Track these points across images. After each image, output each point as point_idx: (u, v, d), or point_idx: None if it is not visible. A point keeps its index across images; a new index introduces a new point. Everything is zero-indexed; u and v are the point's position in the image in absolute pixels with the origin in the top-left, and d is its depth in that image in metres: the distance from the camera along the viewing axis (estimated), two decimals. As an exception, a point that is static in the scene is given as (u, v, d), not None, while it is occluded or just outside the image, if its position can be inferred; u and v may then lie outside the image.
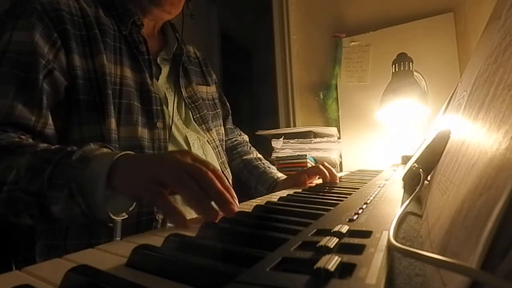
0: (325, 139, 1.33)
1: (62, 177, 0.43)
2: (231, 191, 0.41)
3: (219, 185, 0.39)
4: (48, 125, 0.57)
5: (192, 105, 0.80)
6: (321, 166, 0.74)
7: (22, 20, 0.57)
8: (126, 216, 0.46)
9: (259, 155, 0.98)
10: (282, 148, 1.35)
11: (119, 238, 0.57)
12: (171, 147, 0.69)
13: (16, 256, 0.67)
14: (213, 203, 0.39)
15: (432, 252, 0.15)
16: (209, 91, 0.91)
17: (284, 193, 0.60)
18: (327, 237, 0.22)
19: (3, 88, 0.53)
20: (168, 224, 0.59)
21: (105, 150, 0.48)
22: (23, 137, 0.53)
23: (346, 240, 0.23)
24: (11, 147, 0.48)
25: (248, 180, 0.88)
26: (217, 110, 0.91)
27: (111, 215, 0.43)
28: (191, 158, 0.43)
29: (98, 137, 0.59)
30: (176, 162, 0.41)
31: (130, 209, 0.46)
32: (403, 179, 0.53)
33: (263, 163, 0.92)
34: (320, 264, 0.17)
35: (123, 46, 0.68)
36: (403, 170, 0.60)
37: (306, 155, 1.25)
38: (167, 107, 0.72)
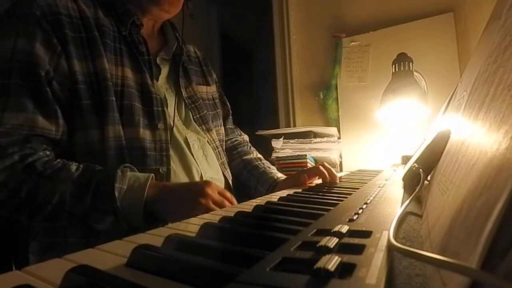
0: (325, 139, 1.33)
1: (104, 203, 0.52)
2: (231, 200, 0.58)
3: (223, 201, 0.55)
4: (64, 132, 0.60)
5: (192, 105, 0.80)
6: (321, 167, 0.74)
7: (23, 26, 0.57)
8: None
9: (259, 155, 0.98)
10: (282, 148, 1.35)
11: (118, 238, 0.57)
12: (171, 149, 0.69)
13: (16, 256, 0.67)
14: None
15: (432, 252, 0.15)
16: (209, 91, 0.91)
17: (284, 193, 0.60)
18: (327, 237, 0.22)
19: (19, 102, 0.55)
20: (169, 224, 0.59)
21: (133, 176, 0.57)
22: (48, 153, 0.58)
23: (346, 240, 0.23)
24: (47, 172, 0.54)
25: (248, 180, 0.88)
26: (217, 110, 0.91)
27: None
28: (209, 187, 0.55)
29: (100, 140, 0.61)
30: (200, 192, 0.54)
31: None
32: (403, 179, 0.53)
33: (263, 163, 0.92)
34: (320, 264, 0.17)
35: (123, 46, 0.68)
36: (403, 170, 0.60)
37: (306, 155, 1.25)
38: (167, 107, 0.72)
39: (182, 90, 0.78)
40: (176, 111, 0.75)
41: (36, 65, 0.56)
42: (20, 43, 0.56)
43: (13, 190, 0.52)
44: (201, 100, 0.83)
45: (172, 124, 0.71)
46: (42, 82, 0.57)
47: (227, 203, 0.55)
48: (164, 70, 0.78)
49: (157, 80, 0.75)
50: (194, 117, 0.79)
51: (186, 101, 0.79)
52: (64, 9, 0.61)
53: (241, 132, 1.06)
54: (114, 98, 0.62)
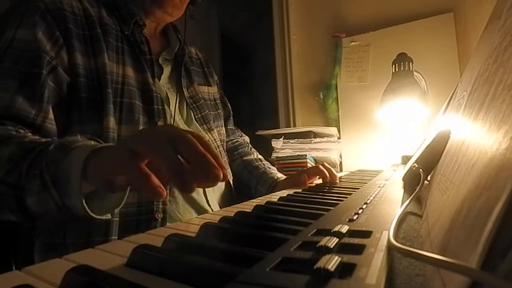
0: (325, 139, 1.33)
1: (38, 167, 0.40)
2: (219, 159, 0.35)
3: (201, 148, 0.34)
4: (48, 119, 0.56)
5: (194, 105, 0.80)
6: (321, 166, 0.74)
7: (26, 18, 0.57)
8: (109, 217, 0.44)
9: (260, 156, 0.98)
10: (282, 148, 1.35)
11: (116, 238, 0.57)
12: None
13: (16, 256, 0.67)
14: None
15: (432, 252, 0.15)
16: (210, 91, 0.91)
17: (284, 193, 0.60)
18: (327, 237, 0.22)
19: (4, 83, 0.53)
20: (168, 224, 0.59)
21: (91, 142, 0.44)
22: (21, 131, 0.52)
23: (346, 240, 0.23)
24: (2, 138, 0.46)
25: (248, 180, 0.88)
26: (219, 111, 0.91)
27: (91, 213, 0.39)
28: (172, 127, 0.39)
29: (98, 136, 0.59)
30: (152, 131, 0.37)
31: (117, 209, 0.44)
32: (403, 179, 0.53)
33: (263, 164, 0.92)
34: (320, 264, 0.17)
35: (125, 46, 0.69)
36: (403, 170, 0.60)
37: (306, 155, 1.25)
38: (168, 106, 0.73)
39: (184, 90, 0.79)
40: (178, 110, 0.75)
41: (35, 50, 0.56)
42: (20, 32, 0.56)
43: None
44: (202, 100, 0.83)
45: (172, 122, 0.71)
46: (39, 63, 0.55)
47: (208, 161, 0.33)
48: (166, 70, 0.79)
49: (159, 80, 0.76)
50: (196, 117, 0.80)
51: (188, 100, 0.79)
52: (68, 7, 0.62)
53: (242, 133, 1.06)
54: (112, 94, 0.62)
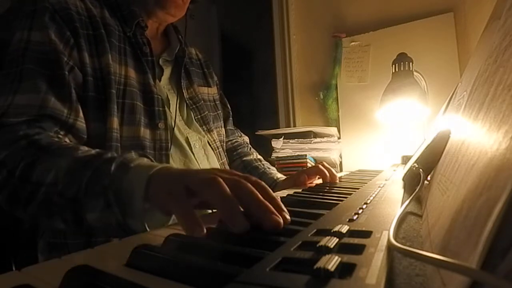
0: (325, 139, 1.33)
1: (99, 185, 0.41)
2: (277, 202, 0.34)
3: (259, 195, 0.33)
4: (79, 118, 0.58)
5: (194, 106, 0.80)
6: (320, 166, 0.74)
7: (36, 20, 0.58)
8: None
9: (259, 156, 0.98)
10: (282, 148, 1.35)
11: (117, 238, 0.57)
12: (172, 148, 0.70)
13: (16, 256, 0.67)
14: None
15: (432, 252, 0.15)
16: (210, 92, 0.91)
17: (284, 193, 0.60)
18: (327, 237, 0.22)
19: (33, 83, 0.53)
20: (168, 224, 0.59)
21: (145, 160, 0.45)
22: (60, 136, 0.54)
23: (346, 240, 0.23)
24: (52, 148, 0.47)
25: None
26: (218, 112, 0.91)
27: (147, 228, 0.40)
28: (231, 172, 0.39)
29: (102, 135, 0.60)
30: (211, 172, 0.37)
31: (169, 223, 0.42)
32: (403, 179, 0.53)
33: (262, 164, 0.92)
34: (320, 264, 0.17)
35: (127, 47, 0.69)
36: (403, 170, 0.60)
37: (306, 155, 1.25)
38: (169, 108, 0.73)
39: (183, 91, 0.79)
40: (178, 111, 0.75)
41: (53, 51, 0.56)
42: (34, 34, 0.57)
43: (11, 169, 0.46)
44: (202, 101, 0.83)
45: (173, 124, 0.71)
46: (60, 65, 0.56)
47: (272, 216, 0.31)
48: (167, 71, 0.79)
49: (160, 81, 0.76)
50: (196, 117, 0.80)
51: (187, 102, 0.79)
52: (73, 6, 0.62)
53: (241, 133, 1.06)
54: (116, 94, 0.62)
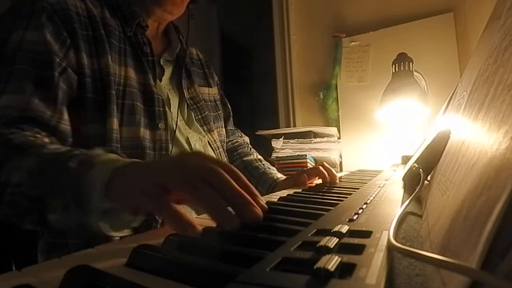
0: (325, 139, 1.33)
1: (59, 184, 0.39)
2: (251, 189, 0.34)
3: (235, 185, 0.33)
4: (63, 120, 0.57)
5: (194, 106, 0.80)
6: (321, 168, 0.74)
7: (33, 20, 0.57)
8: (129, 233, 0.42)
9: (259, 157, 0.98)
10: (282, 148, 1.35)
11: (119, 238, 0.57)
12: (173, 148, 0.70)
13: (16, 256, 0.67)
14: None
15: (432, 252, 0.15)
16: (211, 92, 0.91)
17: (284, 193, 0.60)
18: (327, 237, 0.22)
19: (19, 84, 0.53)
20: (133, 225, 0.59)
21: (112, 156, 0.43)
22: (38, 135, 0.52)
23: (346, 240, 0.23)
24: (23, 147, 0.45)
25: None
26: (219, 112, 0.92)
27: (110, 232, 0.38)
28: (200, 157, 0.37)
29: (101, 136, 0.59)
30: (181, 162, 0.36)
31: (134, 224, 0.41)
32: (403, 179, 0.53)
33: (263, 164, 0.92)
34: (320, 264, 0.17)
35: (128, 47, 0.69)
36: (403, 170, 0.60)
37: (306, 155, 1.25)
38: (169, 108, 0.73)
39: (184, 91, 0.79)
40: (178, 111, 0.75)
41: (46, 52, 0.56)
42: (29, 34, 0.56)
43: None
44: (203, 101, 0.83)
45: (174, 124, 0.71)
46: (51, 66, 0.56)
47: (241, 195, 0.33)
48: (168, 71, 0.79)
49: (160, 81, 0.76)
50: (196, 118, 0.80)
51: (188, 102, 0.79)
52: (73, 7, 0.62)
53: (242, 133, 1.07)
54: (115, 96, 0.62)
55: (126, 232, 0.41)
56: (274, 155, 1.34)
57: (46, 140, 0.52)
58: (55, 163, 0.41)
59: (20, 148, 0.45)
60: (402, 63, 1.04)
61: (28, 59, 0.55)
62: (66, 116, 0.57)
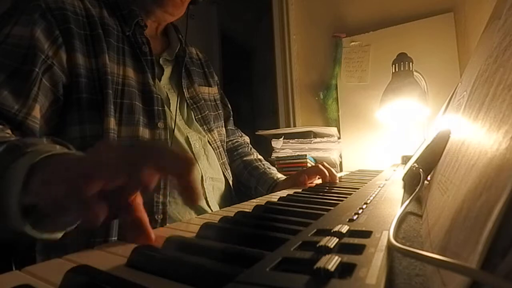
0: (325, 139, 1.33)
1: None
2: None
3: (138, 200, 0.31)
4: (31, 116, 0.54)
5: (194, 106, 0.80)
6: (320, 166, 0.74)
7: (25, 16, 0.57)
8: (59, 236, 0.36)
9: (260, 156, 0.98)
10: (282, 148, 1.35)
11: (116, 238, 0.57)
12: (172, 147, 0.70)
13: (16, 256, 0.67)
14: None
15: (432, 252, 0.15)
16: (211, 92, 0.91)
17: (284, 193, 0.60)
18: (327, 237, 0.22)
19: None
20: (168, 224, 0.59)
21: (57, 147, 0.38)
22: (1, 126, 0.49)
23: (346, 240, 0.23)
24: None
25: (248, 181, 0.88)
26: (219, 111, 0.91)
27: (32, 232, 0.33)
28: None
29: (98, 136, 0.59)
30: (112, 146, 0.32)
31: (69, 228, 0.35)
32: (403, 179, 0.53)
33: (263, 164, 0.92)
34: (320, 264, 0.17)
35: (126, 46, 0.69)
36: (403, 170, 0.60)
37: (306, 155, 1.25)
38: (169, 107, 0.73)
39: (184, 90, 0.79)
40: (178, 111, 0.75)
41: (30, 47, 0.55)
42: (16, 29, 0.56)
43: None
44: (203, 101, 0.83)
45: (173, 123, 0.71)
46: (32, 61, 0.54)
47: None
48: (167, 71, 0.79)
49: (160, 81, 0.76)
50: (196, 117, 0.80)
51: (188, 101, 0.79)
52: (70, 6, 0.62)
53: (242, 133, 1.07)
54: (113, 95, 0.62)
55: (58, 236, 0.36)
56: (274, 155, 1.34)
57: (8, 131, 0.49)
58: None
59: None
60: (402, 63, 1.04)
61: (7, 51, 0.54)
62: (36, 113, 0.54)
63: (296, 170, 1.10)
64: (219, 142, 0.84)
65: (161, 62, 0.78)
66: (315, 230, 0.26)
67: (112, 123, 0.60)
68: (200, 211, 0.69)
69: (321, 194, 0.56)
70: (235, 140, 1.00)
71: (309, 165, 1.22)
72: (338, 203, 0.40)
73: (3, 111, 0.51)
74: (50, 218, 0.33)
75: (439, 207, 0.26)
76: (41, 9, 0.58)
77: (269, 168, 0.91)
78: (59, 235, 0.35)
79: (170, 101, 0.75)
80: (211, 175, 0.76)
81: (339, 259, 0.18)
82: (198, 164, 0.73)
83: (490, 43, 0.31)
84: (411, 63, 1.04)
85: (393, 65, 1.06)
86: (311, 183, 0.75)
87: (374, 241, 0.22)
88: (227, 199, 0.79)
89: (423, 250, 0.16)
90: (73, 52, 0.59)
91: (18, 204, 0.31)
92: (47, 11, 0.59)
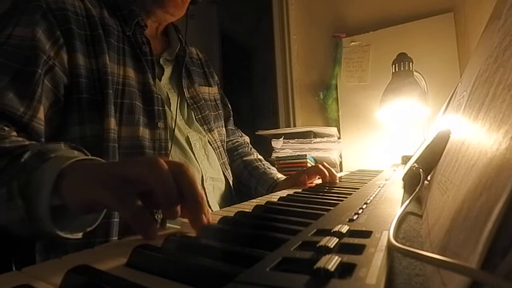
0: (325, 139, 1.33)
1: (9, 173, 0.36)
2: (203, 200, 0.34)
3: (198, 189, 0.34)
4: (36, 118, 0.54)
5: (194, 106, 0.80)
6: (320, 166, 0.74)
7: (26, 16, 0.57)
8: (80, 237, 0.38)
9: (260, 156, 0.98)
10: (282, 148, 1.35)
11: (117, 238, 0.57)
12: (172, 148, 0.70)
13: (16, 256, 0.67)
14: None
15: (432, 252, 0.15)
16: (211, 92, 0.91)
17: (284, 193, 0.60)
18: (327, 237, 0.22)
19: None
20: (168, 224, 0.59)
21: (74, 152, 0.41)
22: (6, 128, 0.49)
23: (346, 240, 0.23)
24: None
25: (248, 181, 0.88)
26: (219, 111, 0.92)
27: (59, 232, 0.35)
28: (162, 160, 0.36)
29: (98, 136, 0.59)
30: (146, 158, 0.35)
31: (89, 228, 0.39)
32: (403, 179, 0.53)
33: (263, 164, 0.92)
34: (320, 264, 0.17)
35: (127, 46, 0.69)
36: (403, 170, 0.60)
37: (306, 155, 1.25)
38: (169, 107, 0.73)
39: (184, 90, 0.79)
40: (178, 111, 0.75)
41: (32, 48, 0.55)
42: (18, 30, 0.55)
43: None
44: (203, 101, 0.83)
45: (173, 123, 0.71)
46: (34, 62, 0.54)
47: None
48: (167, 71, 0.79)
49: (160, 80, 0.76)
50: (196, 117, 0.80)
51: (188, 101, 0.79)
52: (71, 7, 0.62)
53: (242, 133, 1.07)
54: (113, 95, 0.62)
55: (79, 235, 0.38)
56: (274, 155, 1.34)
57: (13, 133, 0.50)
58: (11, 154, 0.39)
59: None
60: (402, 63, 1.04)
61: (9, 53, 0.54)
62: (40, 114, 0.55)
63: (296, 170, 1.10)
64: (219, 142, 0.85)
65: (161, 62, 0.78)
66: (315, 230, 0.26)
67: (113, 123, 0.60)
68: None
69: (321, 194, 0.56)
70: (235, 140, 1.01)
71: (309, 165, 1.22)
72: (338, 203, 0.40)
73: (9, 113, 0.51)
74: (77, 218, 0.36)
75: (439, 207, 0.26)
76: (42, 9, 0.58)
77: (269, 168, 0.91)
78: (80, 235, 0.38)
79: (171, 101, 0.75)
80: (212, 175, 0.76)
81: (339, 259, 0.18)
82: (199, 164, 0.73)
83: (490, 43, 0.31)
84: (411, 63, 1.04)
85: (393, 65, 1.06)
86: (311, 183, 0.75)
87: (374, 241, 0.22)
88: (227, 199, 0.80)
89: (423, 250, 0.16)
90: (74, 52, 0.59)
91: (48, 206, 0.33)
92: (48, 11, 0.58)
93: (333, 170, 0.75)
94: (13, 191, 0.35)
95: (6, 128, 0.50)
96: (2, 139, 0.44)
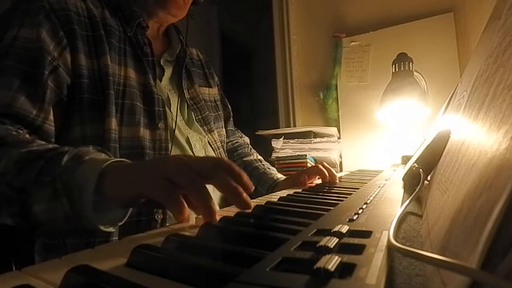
0: (325, 139, 1.33)
1: (49, 175, 0.40)
2: (245, 178, 0.40)
3: (234, 184, 0.38)
4: (48, 120, 0.56)
5: (195, 106, 0.80)
6: (320, 166, 0.74)
7: (30, 17, 0.57)
8: (113, 230, 0.43)
9: (260, 157, 0.98)
10: (282, 148, 1.35)
11: (117, 238, 0.57)
12: (173, 148, 0.70)
13: (16, 256, 0.67)
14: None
15: (432, 252, 0.15)
16: (211, 93, 0.91)
17: (284, 193, 0.60)
18: (327, 237, 0.22)
19: (6, 80, 0.52)
20: (167, 224, 0.59)
21: (102, 154, 0.45)
22: (20, 131, 0.51)
23: (346, 240, 0.23)
24: (7, 140, 0.46)
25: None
26: (219, 112, 0.92)
27: (99, 225, 0.40)
28: (198, 158, 0.42)
29: (99, 137, 0.59)
30: (182, 159, 0.39)
31: (120, 223, 0.43)
32: (403, 179, 0.53)
33: (263, 165, 0.92)
34: (320, 264, 0.17)
35: (128, 47, 0.69)
36: (403, 170, 0.60)
37: (306, 155, 1.25)
38: (169, 108, 0.73)
39: (184, 91, 0.79)
40: (179, 111, 0.75)
41: (37, 49, 0.55)
42: (23, 31, 0.56)
43: None
44: (203, 102, 0.83)
45: (173, 124, 0.71)
46: (41, 64, 0.55)
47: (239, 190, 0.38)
48: (168, 72, 0.79)
49: (160, 81, 0.76)
50: (196, 118, 0.80)
51: (188, 102, 0.79)
52: (73, 7, 0.62)
53: (242, 134, 1.07)
54: (114, 95, 0.62)
55: (111, 229, 0.43)
56: (274, 155, 1.34)
57: (29, 137, 0.51)
58: (43, 156, 0.42)
59: (4, 140, 0.46)
60: (402, 63, 1.04)
61: (18, 55, 0.54)
62: (51, 116, 0.56)
63: (296, 170, 1.10)
64: (220, 142, 0.85)
65: (162, 62, 0.78)
66: (315, 230, 0.26)
67: (114, 123, 0.61)
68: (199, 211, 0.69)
69: (321, 194, 0.56)
70: (235, 141, 1.01)
71: (309, 165, 1.22)
72: (338, 203, 0.40)
73: (22, 116, 0.52)
74: (109, 213, 0.41)
75: (439, 207, 0.26)
76: (45, 10, 0.58)
77: (269, 168, 0.91)
78: (112, 228, 0.42)
79: (171, 101, 0.75)
80: (212, 175, 0.76)
81: (339, 259, 0.18)
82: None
83: (490, 43, 0.31)
84: (411, 63, 1.04)
85: (393, 65, 1.06)
86: (311, 183, 0.75)
87: (374, 241, 0.22)
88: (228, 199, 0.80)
89: (423, 250, 0.16)
90: (76, 53, 0.60)
91: (91, 203, 0.38)
92: (51, 12, 0.59)
93: (333, 170, 0.75)
94: (57, 190, 0.39)
95: (21, 131, 0.51)
96: (27, 142, 0.46)
